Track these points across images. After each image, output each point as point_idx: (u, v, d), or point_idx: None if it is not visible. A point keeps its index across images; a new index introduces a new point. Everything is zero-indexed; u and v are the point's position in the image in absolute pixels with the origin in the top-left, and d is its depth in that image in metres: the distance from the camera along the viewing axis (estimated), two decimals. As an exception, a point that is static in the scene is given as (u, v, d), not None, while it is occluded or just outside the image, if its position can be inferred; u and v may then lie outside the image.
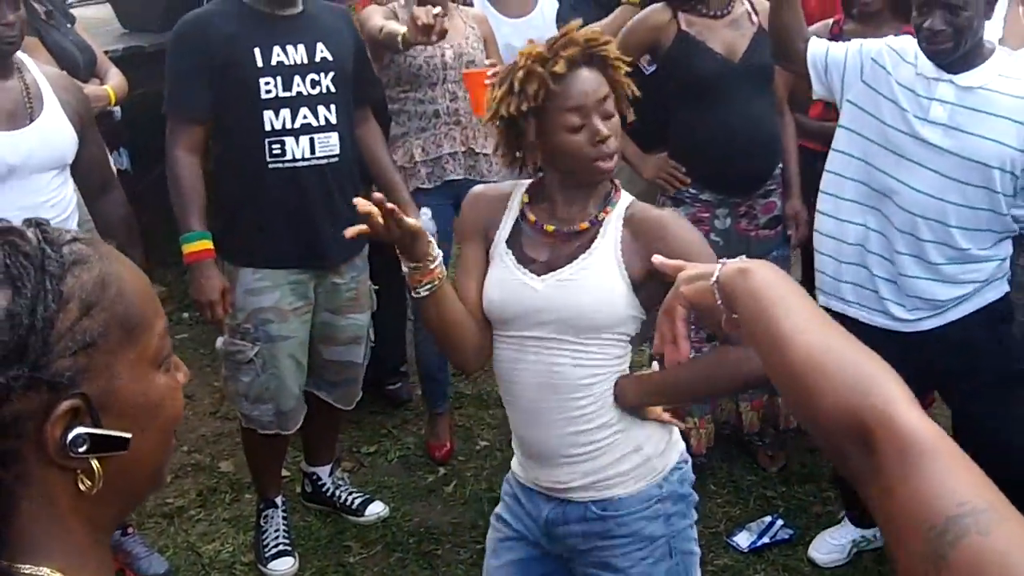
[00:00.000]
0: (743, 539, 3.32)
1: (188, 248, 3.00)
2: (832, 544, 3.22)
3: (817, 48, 2.80)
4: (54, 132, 2.71)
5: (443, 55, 3.52)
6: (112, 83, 3.72)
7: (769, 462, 3.72)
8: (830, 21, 3.55)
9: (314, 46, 3.04)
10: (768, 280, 1.10)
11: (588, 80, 1.93)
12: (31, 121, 2.67)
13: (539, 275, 1.99)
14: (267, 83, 2.98)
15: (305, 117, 3.02)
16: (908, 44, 2.70)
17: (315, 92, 3.03)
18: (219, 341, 3.21)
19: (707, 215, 3.39)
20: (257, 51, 2.97)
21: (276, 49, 2.99)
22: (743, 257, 1.18)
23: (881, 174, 2.71)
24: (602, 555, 2.06)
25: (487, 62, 3.43)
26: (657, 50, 3.32)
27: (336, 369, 3.33)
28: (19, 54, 2.73)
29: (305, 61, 3.02)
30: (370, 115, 3.37)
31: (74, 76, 3.27)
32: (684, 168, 3.37)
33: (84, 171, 2.86)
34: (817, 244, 2.93)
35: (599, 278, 1.96)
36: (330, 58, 3.06)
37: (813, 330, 1.02)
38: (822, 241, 2.91)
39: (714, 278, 1.16)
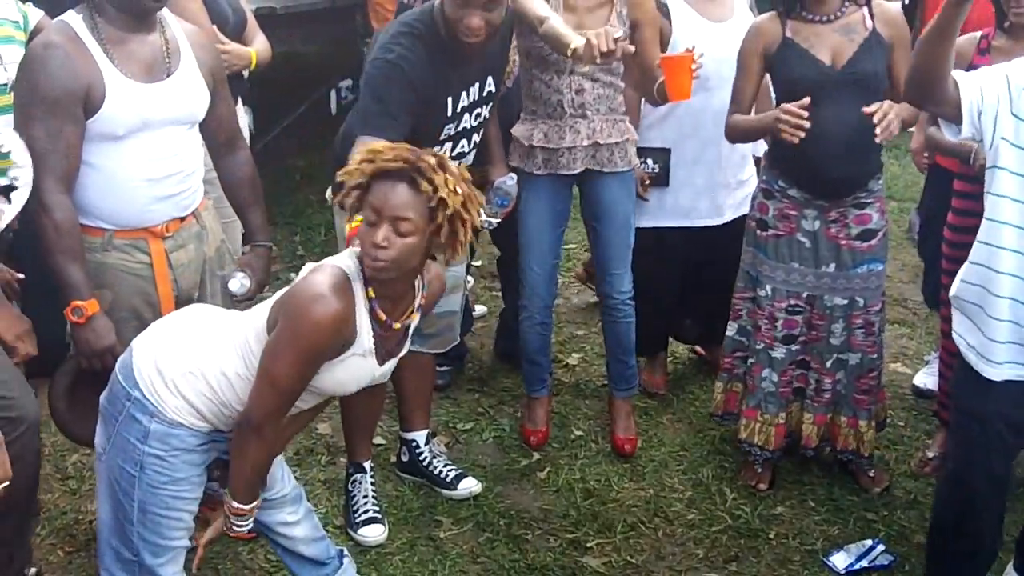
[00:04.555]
0: (840, 560, 3.23)
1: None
2: None
3: (971, 93, 2.54)
4: (188, 88, 2.73)
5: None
6: (257, 48, 3.76)
7: (871, 483, 3.62)
8: (977, 35, 3.37)
9: (484, 80, 3.11)
10: None
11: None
12: (167, 76, 2.68)
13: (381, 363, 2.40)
14: (448, 128, 3.11)
15: (462, 147, 3.18)
16: None
17: (475, 123, 3.16)
18: None
19: (795, 213, 3.37)
20: (450, 100, 3.05)
21: (463, 95, 3.08)
22: None
23: None
24: None
25: (687, 49, 3.20)
26: (766, 56, 3.31)
27: (431, 320, 3.36)
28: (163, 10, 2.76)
29: (477, 99, 3.10)
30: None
31: (222, 34, 3.33)
32: (777, 161, 3.39)
33: (213, 128, 2.89)
34: (962, 293, 2.71)
35: None
36: (493, 90, 3.14)
37: None
38: (969, 290, 2.68)
39: None
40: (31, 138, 2.54)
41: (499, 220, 3.45)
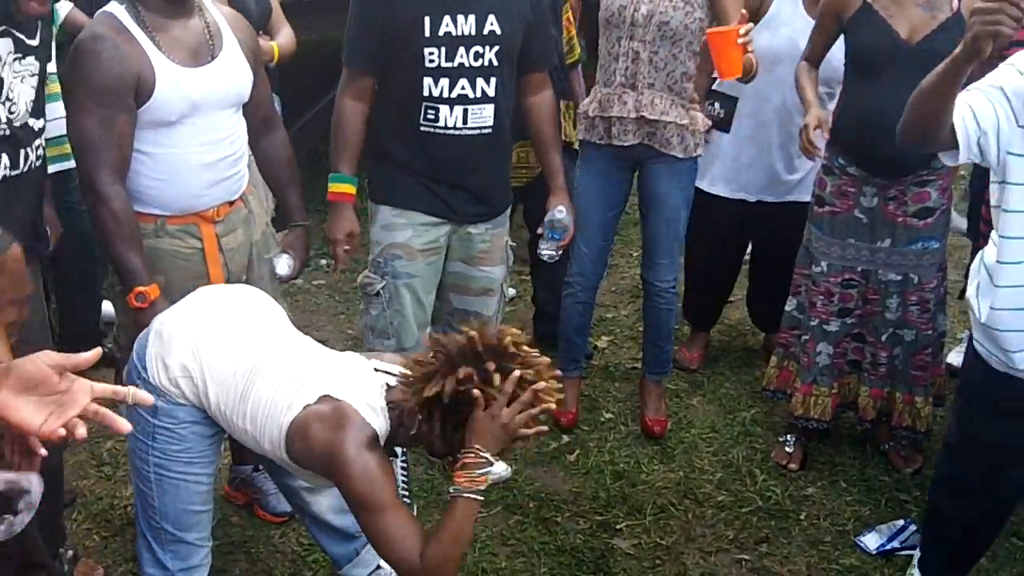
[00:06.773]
0: (871, 540, 3.22)
1: (331, 188, 3.16)
2: None
3: (966, 122, 2.36)
4: (234, 70, 2.76)
5: (636, 10, 3.37)
6: (280, 41, 3.77)
7: (903, 463, 3.60)
8: None
9: (485, 17, 2.99)
10: None
11: None
12: (212, 59, 2.70)
13: None
14: (431, 53, 2.97)
15: (463, 88, 3.02)
16: None
17: (477, 64, 3.02)
18: (360, 276, 3.29)
19: (853, 190, 3.34)
20: (427, 20, 2.95)
21: (446, 19, 2.96)
22: None
23: None
24: None
25: (734, 24, 3.15)
26: (842, 17, 3.26)
27: (461, 318, 3.35)
28: None
29: (472, 33, 2.99)
30: (545, 83, 3.31)
31: None
32: (838, 137, 3.32)
33: (251, 108, 2.90)
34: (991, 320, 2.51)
35: None
36: (498, 32, 3.01)
37: None
38: (998, 317, 2.48)
39: None
40: (84, 130, 2.56)
41: (559, 254, 3.43)
